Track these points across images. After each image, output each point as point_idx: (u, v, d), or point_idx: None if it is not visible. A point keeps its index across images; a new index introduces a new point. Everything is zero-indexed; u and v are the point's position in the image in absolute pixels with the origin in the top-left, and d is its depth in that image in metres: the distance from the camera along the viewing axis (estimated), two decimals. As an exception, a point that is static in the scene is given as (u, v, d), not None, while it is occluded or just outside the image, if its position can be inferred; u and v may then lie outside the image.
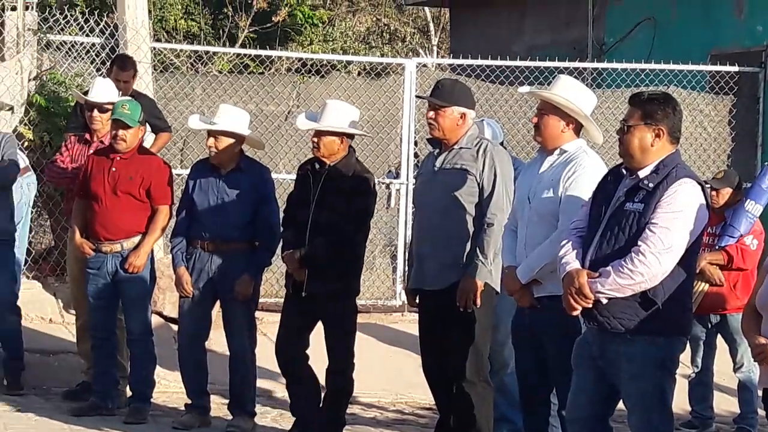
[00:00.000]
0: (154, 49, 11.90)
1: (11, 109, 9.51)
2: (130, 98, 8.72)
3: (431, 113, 7.28)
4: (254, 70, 14.17)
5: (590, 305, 5.58)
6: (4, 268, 8.84)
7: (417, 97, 11.54)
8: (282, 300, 10.65)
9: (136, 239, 8.19)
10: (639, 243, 5.48)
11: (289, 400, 8.03)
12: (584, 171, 6.47)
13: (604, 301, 5.57)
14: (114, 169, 8.16)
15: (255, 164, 8.33)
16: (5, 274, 8.85)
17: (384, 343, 10.66)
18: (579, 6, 16.25)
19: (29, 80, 11.12)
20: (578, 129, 6.62)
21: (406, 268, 9.95)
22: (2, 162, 8.76)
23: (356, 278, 7.94)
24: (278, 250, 8.18)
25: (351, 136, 7.90)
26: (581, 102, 6.57)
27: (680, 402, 7.81)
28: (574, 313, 5.67)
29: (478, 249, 7.12)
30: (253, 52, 14.13)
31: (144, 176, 8.17)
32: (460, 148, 7.26)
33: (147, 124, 8.68)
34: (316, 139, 7.78)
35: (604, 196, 5.75)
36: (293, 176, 11.12)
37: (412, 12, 26.98)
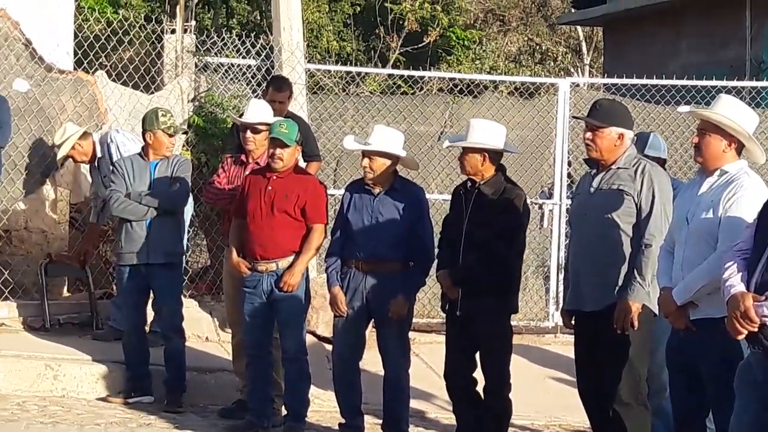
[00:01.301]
0: (308, 70, 12.02)
1: (186, 132, 9.70)
2: (287, 118, 8.79)
3: (588, 134, 7.21)
4: (406, 91, 14.22)
5: (755, 329, 5.45)
6: (171, 292, 8.98)
7: (573, 117, 11.44)
8: (434, 320, 10.73)
9: (291, 258, 8.25)
10: (806, 266, 5.34)
11: (441, 421, 8.01)
12: (745, 192, 6.32)
13: (770, 325, 5.43)
14: (270, 187, 8.24)
15: (409, 184, 8.33)
16: (173, 297, 9.00)
17: (537, 365, 10.57)
18: (737, 25, 15.98)
19: (187, 102, 11.34)
20: (740, 149, 6.48)
21: (561, 289, 9.84)
22: (173, 184, 8.92)
23: (511, 296, 7.92)
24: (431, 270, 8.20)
25: (499, 154, 7.88)
26: (744, 121, 6.42)
27: None
28: (739, 338, 5.53)
29: (635, 270, 7.02)
30: (405, 72, 14.17)
31: (299, 195, 8.23)
32: (618, 168, 7.18)
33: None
34: (461, 158, 7.86)
35: (770, 218, 5.61)
36: (446, 196, 11.20)
37: (564, 31, 26.85)
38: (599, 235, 7.15)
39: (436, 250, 8.12)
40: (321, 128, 11.71)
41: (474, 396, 7.91)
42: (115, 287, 10.06)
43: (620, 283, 7.09)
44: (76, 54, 11.24)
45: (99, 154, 10.05)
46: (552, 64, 26.35)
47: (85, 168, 10.57)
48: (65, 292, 10.92)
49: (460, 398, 7.94)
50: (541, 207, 12.00)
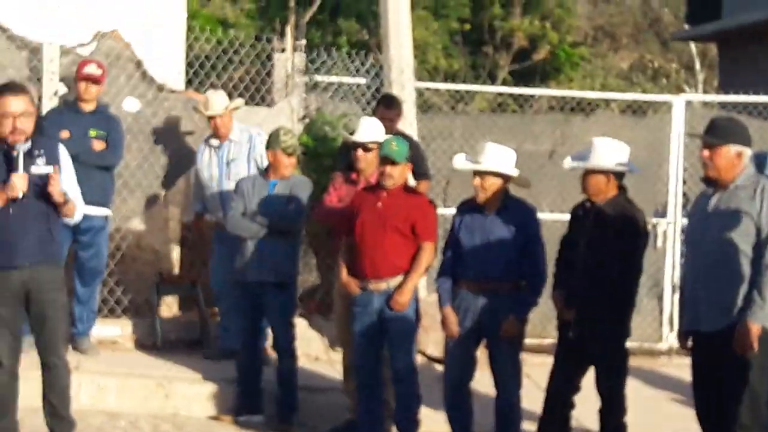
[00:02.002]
0: (417, 88, 11.97)
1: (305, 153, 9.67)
2: (398, 136, 8.75)
3: (706, 152, 7.09)
4: (515, 109, 14.10)
5: None
6: (282, 311, 8.91)
7: (689, 135, 11.26)
8: (546, 341, 10.60)
9: (401, 277, 8.19)
10: None
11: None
12: None
13: None
14: (380, 204, 8.20)
15: (521, 204, 8.22)
16: (284, 317, 8.93)
17: (652, 388, 10.38)
18: None
19: (298, 121, 11.36)
20: None
21: (675, 310, 9.65)
22: (289, 204, 8.90)
23: (625, 319, 7.79)
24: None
25: (622, 173, 7.77)
26: None
27: None
28: None
29: (756, 291, 6.87)
30: (515, 90, 14.00)
31: (409, 213, 8.18)
32: (736, 187, 7.04)
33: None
34: (584, 179, 7.75)
35: None
36: (557, 216, 11.08)
37: (676, 48, 26.52)
38: (717, 256, 7.03)
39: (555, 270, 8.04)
40: (430, 147, 11.65)
41: (566, 419, 7.89)
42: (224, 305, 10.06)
43: (739, 303, 6.96)
44: (187, 73, 11.34)
45: (233, 138, 10.01)
46: (665, 81, 26.03)
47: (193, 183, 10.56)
48: (176, 311, 11.00)
49: (552, 415, 7.89)
50: (654, 226, 11.82)
